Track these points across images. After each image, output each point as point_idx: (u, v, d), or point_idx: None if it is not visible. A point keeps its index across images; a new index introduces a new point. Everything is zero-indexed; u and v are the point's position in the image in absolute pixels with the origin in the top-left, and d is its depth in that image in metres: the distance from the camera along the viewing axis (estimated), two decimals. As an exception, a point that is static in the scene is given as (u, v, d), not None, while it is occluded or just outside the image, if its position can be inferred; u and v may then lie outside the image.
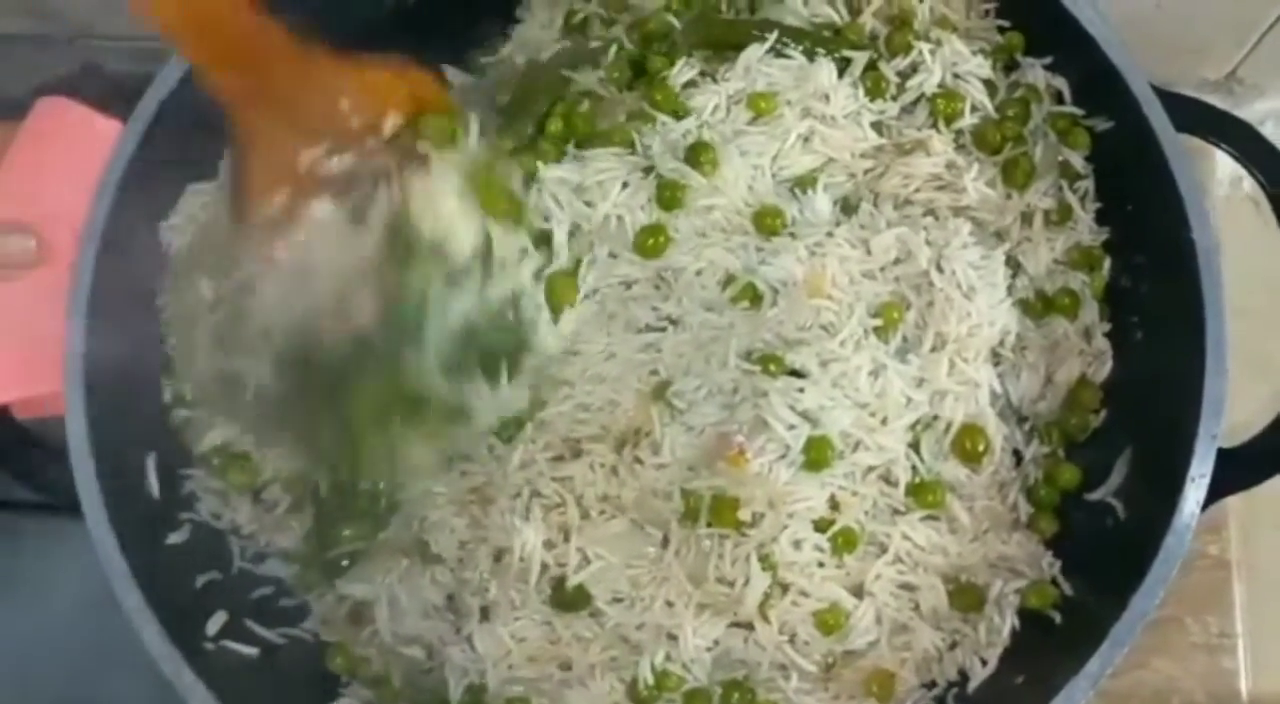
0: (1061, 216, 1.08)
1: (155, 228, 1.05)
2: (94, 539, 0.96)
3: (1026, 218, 1.08)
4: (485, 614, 1.01)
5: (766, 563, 0.97)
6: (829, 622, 0.97)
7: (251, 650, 1.02)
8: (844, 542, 0.98)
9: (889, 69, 1.08)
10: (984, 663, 0.99)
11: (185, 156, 1.06)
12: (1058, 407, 1.06)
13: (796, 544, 0.97)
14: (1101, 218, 1.09)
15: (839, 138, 1.06)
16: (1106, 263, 1.08)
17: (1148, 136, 1.02)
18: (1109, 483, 1.03)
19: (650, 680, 0.97)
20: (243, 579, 1.06)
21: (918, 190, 1.06)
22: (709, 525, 0.97)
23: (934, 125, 1.08)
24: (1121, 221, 1.08)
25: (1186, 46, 1.31)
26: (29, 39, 1.43)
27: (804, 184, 1.05)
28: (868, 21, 1.09)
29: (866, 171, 1.07)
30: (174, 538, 1.03)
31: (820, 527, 0.98)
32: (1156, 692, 1.23)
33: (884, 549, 0.99)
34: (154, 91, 1.05)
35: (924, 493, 0.99)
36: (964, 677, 1.00)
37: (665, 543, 0.99)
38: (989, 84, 1.09)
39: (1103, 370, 1.06)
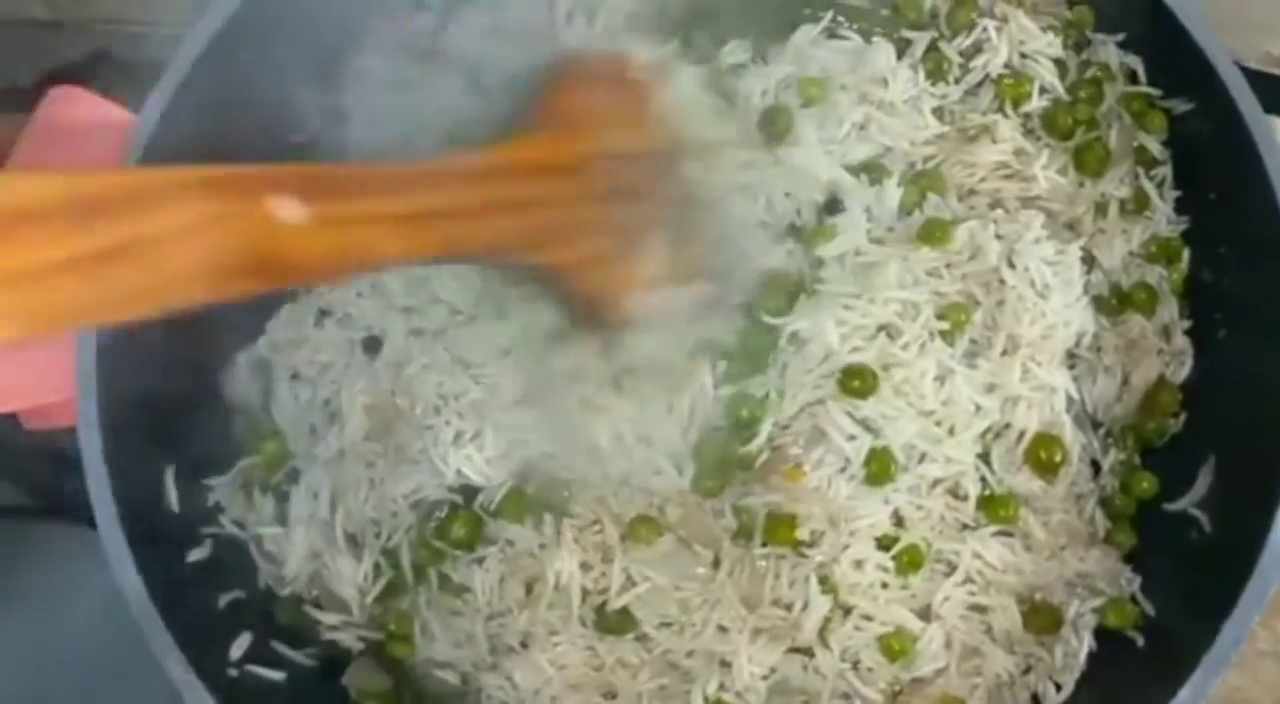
0: (1138, 206, 1.01)
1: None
2: (111, 563, 0.89)
3: (1100, 208, 1.01)
4: (523, 643, 0.95)
5: (827, 585, 0.91)
6: (895, 647, 0.91)
7: (277, 675, 0.96)
8: (909, 561, 0.91)
9: (951, 49, 1.01)
10: (1058, 688, 0.93)
11: (203, 147, 0.99)
12: (1134, 410, 0.99)
13: (858, 564, 0.91)
14: (1180, 207, 1.02)
15: (898, 126, 0.99)
16: (1186, 255, 1.01)
17: (1233, 119, 0.95)
18: (1192, 493, 0.96)
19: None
20: (268, 596, 1.00)
21: (983, 180, 1.00)
22: (764, 544, 0.91)
23: (1000, 109, 1.01)
24: (1202, 211, 1.01)
25: (1254, 21, 1.24)
26: (37, 24, 1.36)
27: (874, 172, 0.98)
28: (928, -4, 1.01)
29: (927, 160, 1.00)
30: (196, 555, 0.96)
31: (884, 544, 0.92)
32: (1221, 701, 1.16)
33: (952, 568, 0.93)
34: (167, 78, 0.98)
35: (996, 507, 0.93)
36: (1037, 702, 0.93)
37: (716, 563, 0.93)
38: (1059, 63, 1.02)
39: (1182, 371, 1.00)
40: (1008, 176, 1.00)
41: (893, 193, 0.97)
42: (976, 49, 1.01)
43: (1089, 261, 1.00)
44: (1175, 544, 0.95)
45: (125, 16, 1.34)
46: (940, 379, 0.93)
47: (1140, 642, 0.93)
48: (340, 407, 0.98)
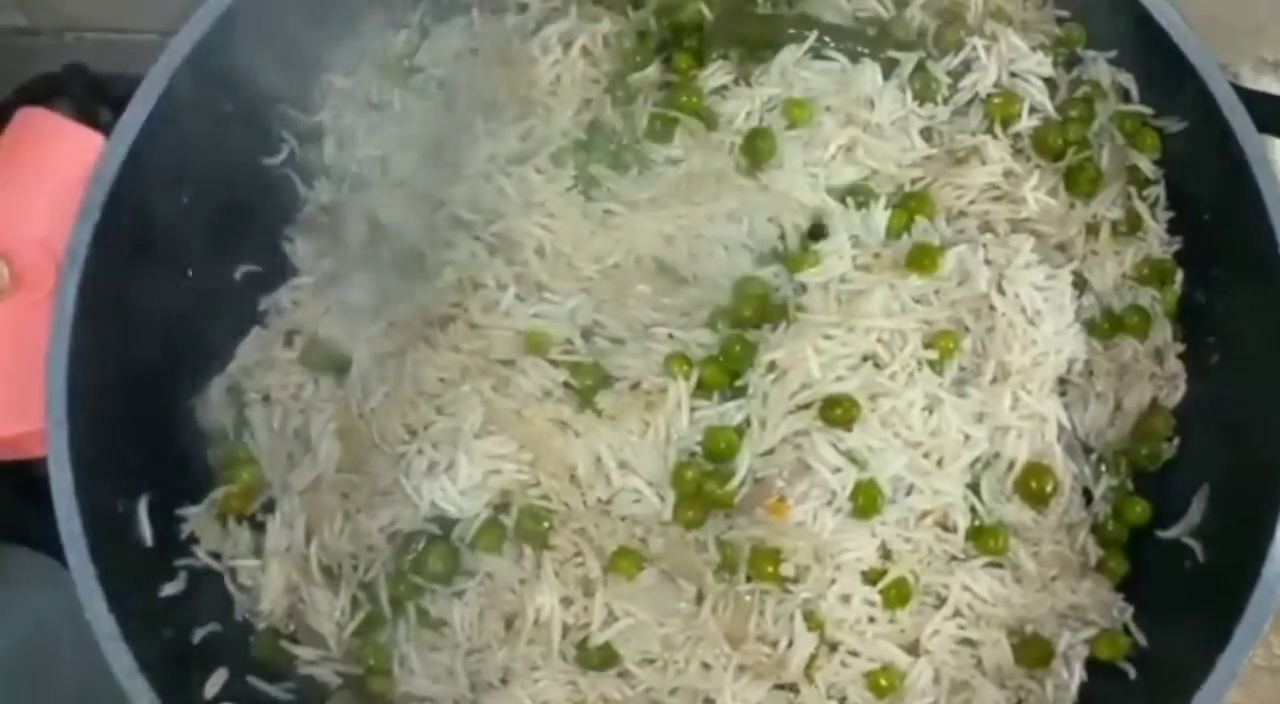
0: (1130, 227, 0.99)
1: (145, 250, 0.96)
2: (81, 598, 0.88)
3: (1092, 229, 0.99)
4: (504, 679, 0.92)
5: (812, 621, 0.89)
6: (882, 684, 0.88)
7: None
8: (897, 595, 0.89)
9: (939, 69, 0.99)
10: (1048, 723, 0.91)
11: (178, 171, 0.97)
12: (1126, 435, 0.97)
13: (845, 599, 0.89)
14: (1173, 227, 1.01)
15: (885, 148, 0.97)
16: (1179, 277, 0.99)
17: (1227, 138, 0.93)
18: (1186, 520, 0.94)
19: (692, 746, 0.89)
20: (245, 629, 0.97)
21: (972, 202, 0.98)
22: (748, 580, 0.89)
23: (989, 130, 0.99)
24: (1196, 231, 1.00)
25: (1243, 27, 1.24)
26: (14, 32, 1.34)
27: (861, 195, 0.96)
28: (915, 16, 0.99)
29: (915, 182, 0.97)
30: (169, 589, 0.94)
31: (871, 578, 0.90)
32: (1217, 717, 1.15)
33: (941, 601, 0.90)
34: (141, 98, 0.96)
35: (986, 538, 0.91)
36: (1027, 736, 0.92)
37: (700, 598, 0.91)
38: (1049, 82, 1.00)
39: (1175, 395, 0.98)
40: (997, 199, 0.98)
41: (879, 217, 0.95)
42: (965, 68, 0.99)
43: (1080, 285, 0.98)
44: (1168, 573, 0.94)
45: (101, 24, 1.31)
46: (929, 409, 0.91)
47: (1132, 674, 0.91)
48: (311, 434, 0.96)
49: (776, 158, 0.95)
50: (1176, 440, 0.98)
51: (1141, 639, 0.92)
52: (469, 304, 0.95)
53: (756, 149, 0.96)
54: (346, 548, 0.94)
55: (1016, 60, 0.99)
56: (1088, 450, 0.97)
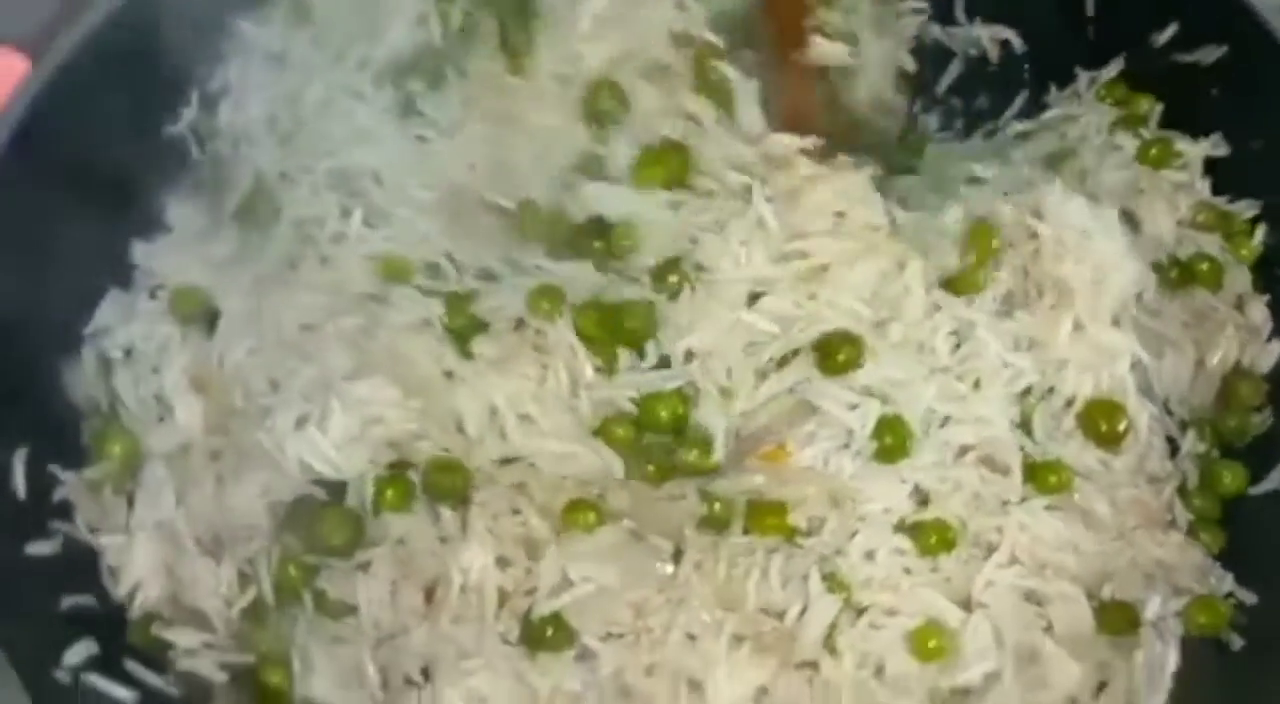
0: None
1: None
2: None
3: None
4: (425, 672, 0.72)
5: (833, 582, 0.71)
6: (930, 645, 0.70)
7: (125, 693, 0.75)
8: (939, 540, 0.72)
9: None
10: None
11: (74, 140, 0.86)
12: (1211, 401, 0.84)
13: (869, 555, 0.72)
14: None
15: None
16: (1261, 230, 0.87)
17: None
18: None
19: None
20: (121, 611, 0.79)
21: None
22: (746, 533, 0.72)
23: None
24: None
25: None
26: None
27: None
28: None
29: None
30: (38, 548, 0.79)
31: (903, 527, 0.73)
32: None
33: (993, 549, 0.73)
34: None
35: (1044, 474, 0.76)
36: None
37: (678, 557, 0.73)
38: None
39: (1265, 358, 0.83)
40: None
41: None
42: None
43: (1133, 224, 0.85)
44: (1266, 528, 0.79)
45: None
46: (956, 333, 0.77)
47: (1237, 643, 0.74)
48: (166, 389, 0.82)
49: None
50: (1269, 412, 0.83)
51: (1250, 596, 0.75)
52: (318, 236, 0.84)
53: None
54: (221, 520, 0.77)
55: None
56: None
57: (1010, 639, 0.71)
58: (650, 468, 0.76)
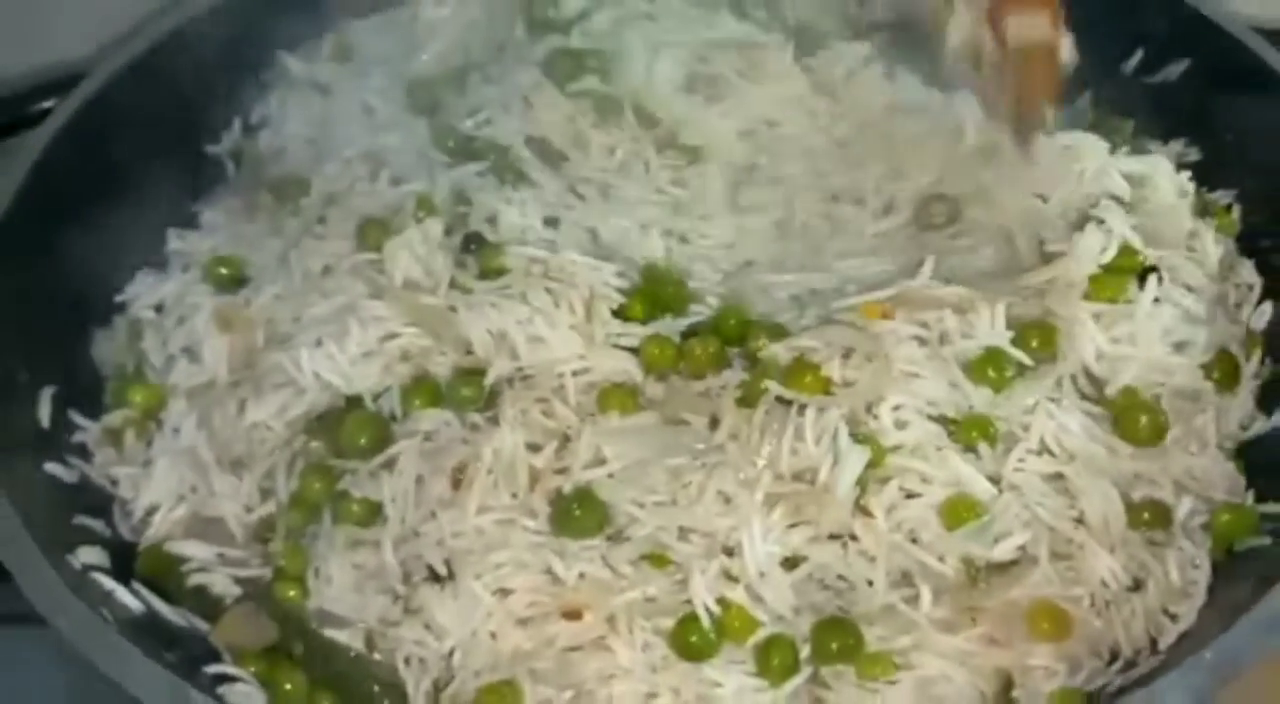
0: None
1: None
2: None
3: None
4: (449, 568, 0.70)
5: (860, 437, 0.70)
6: (960, 513, 0.69)
7: (135, 604, 0.73)
8: (979, 433, 0.72)
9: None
10: (1173, 619, 0.69)
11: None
12: None
13: (901, 425, 0.71)
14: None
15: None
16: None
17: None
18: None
19: (711, 610, 0.66)
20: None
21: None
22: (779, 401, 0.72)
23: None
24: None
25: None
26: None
27: None
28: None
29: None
30: (55, 469, 0.80)
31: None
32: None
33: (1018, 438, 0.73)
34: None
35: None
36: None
37: (714, 425, 0.73)
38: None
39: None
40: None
41: None
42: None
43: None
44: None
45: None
46: None
47: (1270, 540, 0.72)
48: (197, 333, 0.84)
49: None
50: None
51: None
52: (346, 196, 0.89)
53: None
54: (242, 441, 0.78)
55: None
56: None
57: (1043, 523, 0.70)
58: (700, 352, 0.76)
